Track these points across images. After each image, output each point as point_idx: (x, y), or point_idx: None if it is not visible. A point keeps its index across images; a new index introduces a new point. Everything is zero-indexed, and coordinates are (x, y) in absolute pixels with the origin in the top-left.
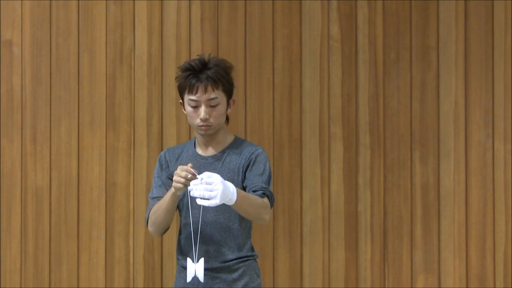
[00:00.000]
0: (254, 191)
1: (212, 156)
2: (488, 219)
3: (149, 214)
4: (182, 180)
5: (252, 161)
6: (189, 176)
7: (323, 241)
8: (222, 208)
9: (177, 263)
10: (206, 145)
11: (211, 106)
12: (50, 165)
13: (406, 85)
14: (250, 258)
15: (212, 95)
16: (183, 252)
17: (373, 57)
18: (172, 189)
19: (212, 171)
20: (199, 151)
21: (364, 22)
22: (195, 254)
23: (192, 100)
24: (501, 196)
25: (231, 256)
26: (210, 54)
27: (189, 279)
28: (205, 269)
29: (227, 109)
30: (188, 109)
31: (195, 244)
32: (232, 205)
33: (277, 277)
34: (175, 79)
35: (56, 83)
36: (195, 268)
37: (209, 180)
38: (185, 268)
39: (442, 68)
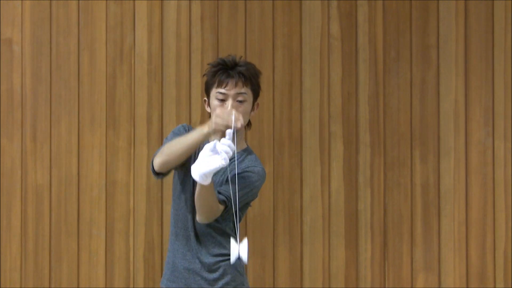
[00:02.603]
0: (218, 193)
1: None
2: (488, 217)
3: (160, 149)
4: (225, 123)
5: (243, 173)
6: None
7: (323, 239)
8: None
9: (166, 261)
10: None
11: (238, 101)
12: (50, 164)
13: (406, 84)
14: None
15: (242, 90)
16: (174, 235)
17: (373, 56)
18: (206, 128)
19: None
20: None
21: (364, 20)
22: (237, 230)
23: (220, 93)
24: (501, 195)
25: (212, 251)
26: (241, 57)
27: (232, 260)
28: (186, 266)
29: (251, 111)
30: (214, 102)
31: (237, 223)
32: (203, 185)
33: (277, 276)
34: (203, 76)
35: (56, 82)
36: (239, 249)
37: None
38: (170, 264)
39: (442, 67)
